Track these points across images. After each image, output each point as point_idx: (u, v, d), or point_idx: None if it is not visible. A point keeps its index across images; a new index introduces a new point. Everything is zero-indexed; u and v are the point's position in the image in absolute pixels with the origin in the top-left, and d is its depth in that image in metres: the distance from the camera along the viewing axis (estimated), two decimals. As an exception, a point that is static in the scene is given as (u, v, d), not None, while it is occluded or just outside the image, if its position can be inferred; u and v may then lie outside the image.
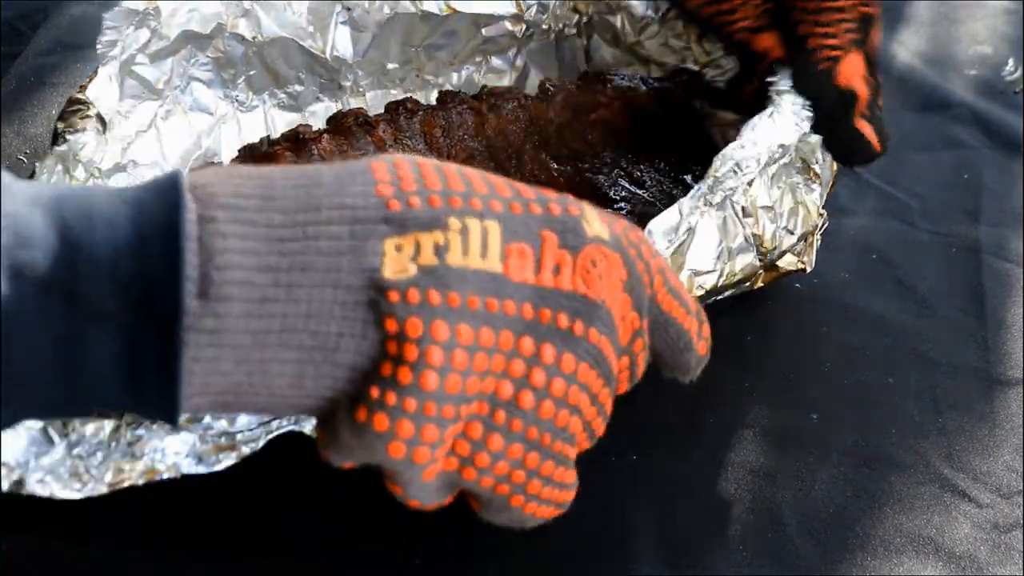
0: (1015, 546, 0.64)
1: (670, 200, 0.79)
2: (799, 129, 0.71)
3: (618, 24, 0.90)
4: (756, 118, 0.69)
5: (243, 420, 0.61)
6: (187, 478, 0.59)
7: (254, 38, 0.82)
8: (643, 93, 0.86)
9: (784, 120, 0.70)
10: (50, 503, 0.59)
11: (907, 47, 1.10)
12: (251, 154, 0.76)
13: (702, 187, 0.65)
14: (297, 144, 0.77)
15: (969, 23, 1.14)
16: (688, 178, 0.82)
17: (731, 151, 0.67)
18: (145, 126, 0.78)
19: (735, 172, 0.66)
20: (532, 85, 0.90)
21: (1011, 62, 1.07)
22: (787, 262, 0.76)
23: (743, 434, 0.70)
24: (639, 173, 0.82)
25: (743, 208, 0.67)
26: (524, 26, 0.90)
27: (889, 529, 0.64)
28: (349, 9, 0.84)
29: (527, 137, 0.82)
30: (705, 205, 0.65)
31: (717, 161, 0.66)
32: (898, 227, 0.88)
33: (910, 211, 0.89)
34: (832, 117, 0.70)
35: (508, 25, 0.89)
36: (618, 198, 0.79)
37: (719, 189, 0.66)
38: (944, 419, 0.71)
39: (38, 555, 0.61)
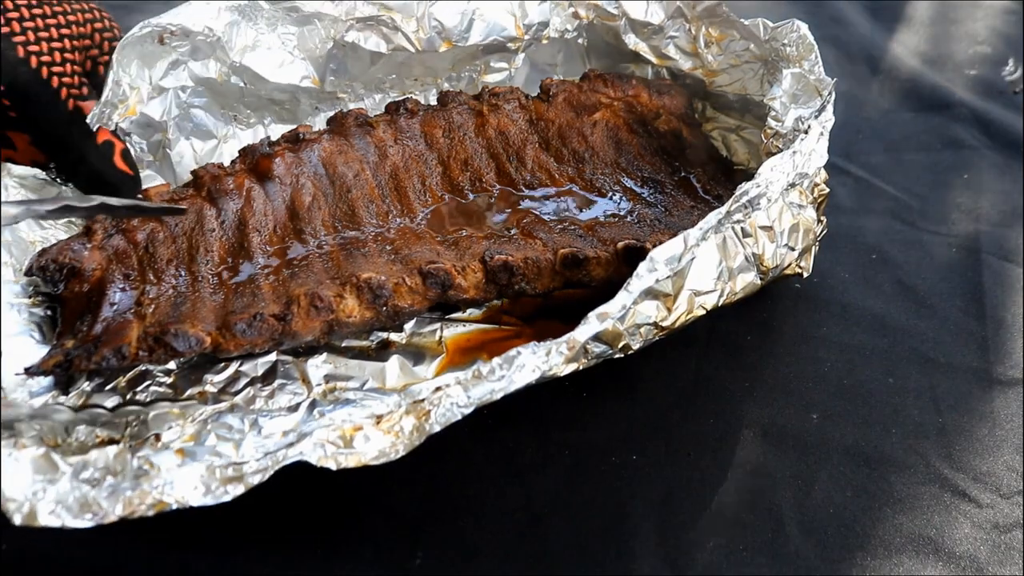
0: (1015, 546, 0.64)
1: (670, 201, 0.79)
2: (821, 159, 0.71)
3: (620, 28, 0.90)
4: (777, 156, 0.68)
5: (250, 451, 0.62)
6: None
7: (248, 85, 0.82)
8: (645, 94, 0.86)
9: (805, 151, 0.69)
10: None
11: (907, 47, 1.10)
12: (252, 155, 0.76)
13: (712, 220, 0.64)
14: (297, 144, 0.77)
15: (969, 23, 1.14)
16: (692, 179, 0.82)
17: (749, 188, 0.66)
18: (152, 157, 0.80)
19: (746, 207, 0.66)
20: (532, 84, 0.90)
21: (1011, 62, 1.07)
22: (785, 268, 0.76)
23: (743, 434, 0.70)
24: (640, 174, 0.82)
25: (742, 229, 0.67)
26: (522, 44, 0.90)
27: (889, 529, 0.64)
28: (343, 46, 0.84)
29: (528, 137, 0.82)
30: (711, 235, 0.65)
31: (732, 201, 0.66)
32: (898, 227, 0.87)
33: (910, 211, 0.89)
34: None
35: (509, 45, 0.89)
36: (618, 199, 0.79)
37: (728, 222, 0.66)
38: (944, 419, 0.71)
39: (38, 555, 0.61)
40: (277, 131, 0.85)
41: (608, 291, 0.64)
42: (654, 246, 0.65)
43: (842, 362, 0.75)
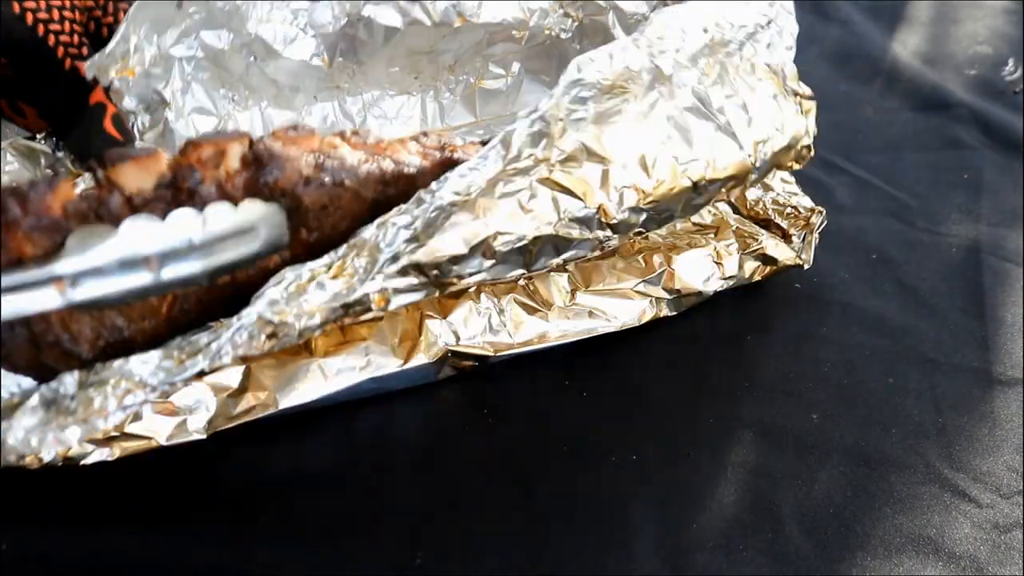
0: (1015, 546, 0.64)
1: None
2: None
3: (609, 24, 0.89)
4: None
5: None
6: (189, 475, 0.59)
7: (256, 60, 0.82)
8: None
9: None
10: (49, 503, 0.59)
11: (907, 47, 1.10)
12: None
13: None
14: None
15: (969, 23, 1.14)
16: None
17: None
18: (152, 130, 0.79)
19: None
20: (530, 93, 0.90)
21: (1011, 62, 1.07)
22: (785, 257, 0.76)
23: (743, 434, 0.70)
24: None
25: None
26: (527, 33, 0.90)
27: (889, 529, 0.64)
28: (359, 20, 0.84)
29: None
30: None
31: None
32: (898, 227, 0.88)
33: (910, 211, 0.89)
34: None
35: (514, 32, 0.89)
36: None
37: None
38: (944, 419, 0.71)
39: (38, 555, 0.61)
40: (273, 116, 0.85)
41: None
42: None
43: (842, 362, 0.75)
